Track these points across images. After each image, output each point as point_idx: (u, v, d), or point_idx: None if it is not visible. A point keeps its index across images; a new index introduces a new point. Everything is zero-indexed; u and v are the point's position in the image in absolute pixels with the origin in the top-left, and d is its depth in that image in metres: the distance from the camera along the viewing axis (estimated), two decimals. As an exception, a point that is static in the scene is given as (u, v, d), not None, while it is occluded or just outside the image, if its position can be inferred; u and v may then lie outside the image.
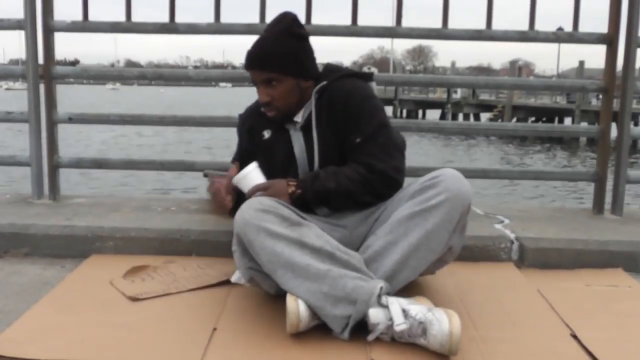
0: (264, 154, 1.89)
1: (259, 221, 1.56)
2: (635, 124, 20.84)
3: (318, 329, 1.58)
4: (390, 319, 1.48)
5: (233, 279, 1.93)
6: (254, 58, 1.80)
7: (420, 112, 38.14)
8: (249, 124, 1.98)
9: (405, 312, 1.49)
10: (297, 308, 1.53)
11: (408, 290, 1.69)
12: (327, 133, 1.81)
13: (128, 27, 2.74)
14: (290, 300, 1.54)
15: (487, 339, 1.57)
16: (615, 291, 1.98)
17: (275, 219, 1.58)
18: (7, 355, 1.44)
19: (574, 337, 1.59)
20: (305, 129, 1.84)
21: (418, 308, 1.49)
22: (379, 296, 1.51)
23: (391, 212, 1.70)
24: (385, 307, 1.50)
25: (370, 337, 1.51)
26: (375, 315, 1.50)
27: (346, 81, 1.83)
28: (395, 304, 1.50)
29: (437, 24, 2.71)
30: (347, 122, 1.78)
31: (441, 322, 1.44)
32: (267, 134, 1.91)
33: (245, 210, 1.59)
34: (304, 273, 1.55)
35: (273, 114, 1.85)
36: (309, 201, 1.77)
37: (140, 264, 2.09)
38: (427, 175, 1.67)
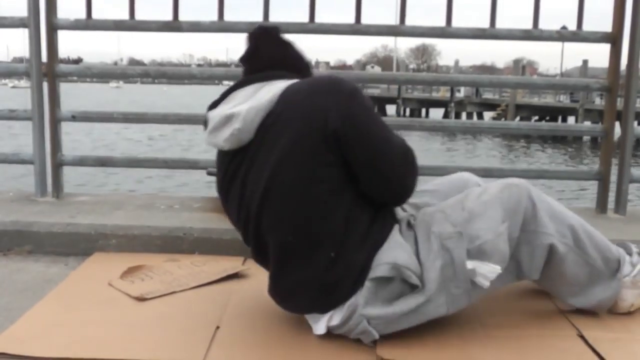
0: None
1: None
2: (639, 123, 20.78)
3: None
4: None
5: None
6: None
7: (423, 110, 38.10)
8: None
9: None
10: None
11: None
12: None
13: (132, 25, 2.74)
14: None
15: (494, 337, 1.57)
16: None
17: None
18: (10, 352, 1.45)
19: (581, 337, 1.59)
20: None
21: None
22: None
23: None
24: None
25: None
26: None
27: None
28: None
29: (441, 22, 2.70)
30: None
31: None
32: None
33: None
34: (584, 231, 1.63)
35: None
36: None
37: (142, 262, 2.10)
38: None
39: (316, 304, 1.52)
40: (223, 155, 1.58)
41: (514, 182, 1.59)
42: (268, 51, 1.60)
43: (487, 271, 1.47)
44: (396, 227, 1.55)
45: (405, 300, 1.47)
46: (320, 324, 1.54)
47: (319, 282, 1.47)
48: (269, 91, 1.50)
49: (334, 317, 1.51)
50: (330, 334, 1.54)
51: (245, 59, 1.62)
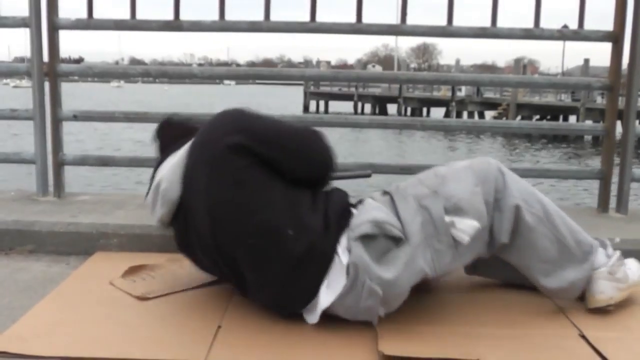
0: None
1: None
2: (641, 122, 20.75)
3: (325, 325, 1.59)
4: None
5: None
6: None
7: (424, 110, 38.08)
8: None
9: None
10: None
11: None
12: None
13: (133, 24, 2.74)
14: None
15: (494, 336, 1.57)
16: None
17: None
18: (12, 351, 1.45)
19: (583, 337, 1.59)
20: None
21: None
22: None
23: None
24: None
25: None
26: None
27: None
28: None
29: (442, 21, 2.70)
30: None
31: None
32: None
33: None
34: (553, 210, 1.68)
35: None
36: None
37: (143, 261, 2.10)
38: None
39: (307, 282, 1.55)
40: (173, 224, 1.74)
41: (484, 158, 1.74)
42: (170, 135, 1.84)
43: (466, 226, 1.56)
44: (368, 199, 1.68)
45: (395, 255, 1.52)
46: (321, 299, 1.56)
47: (294, 260, 1.53)
48: (180, 153, 1.70)
49: (334, 284, 1.53)
50: (332, 332, 1.54)
51: (160, 150, 1.85)
